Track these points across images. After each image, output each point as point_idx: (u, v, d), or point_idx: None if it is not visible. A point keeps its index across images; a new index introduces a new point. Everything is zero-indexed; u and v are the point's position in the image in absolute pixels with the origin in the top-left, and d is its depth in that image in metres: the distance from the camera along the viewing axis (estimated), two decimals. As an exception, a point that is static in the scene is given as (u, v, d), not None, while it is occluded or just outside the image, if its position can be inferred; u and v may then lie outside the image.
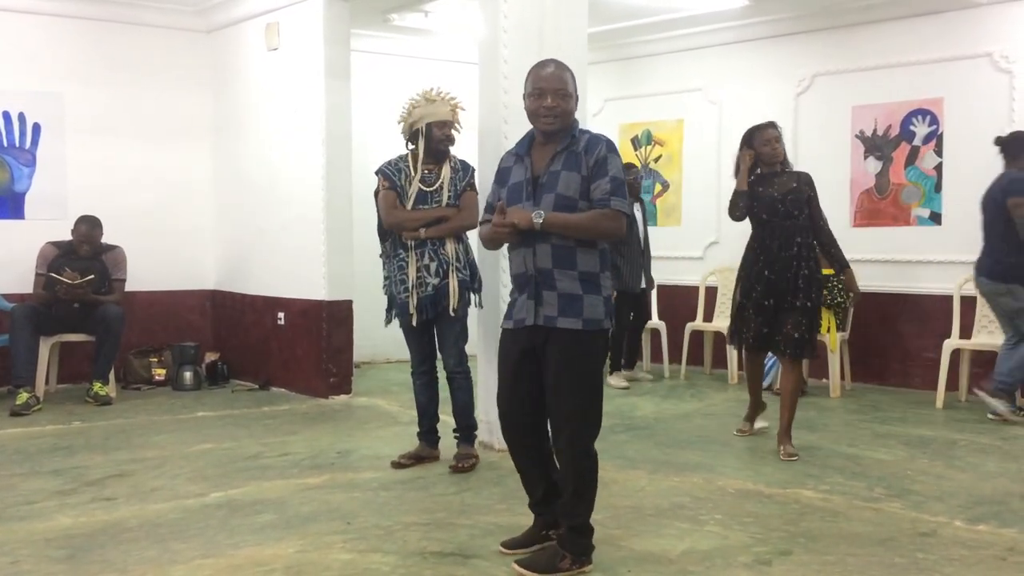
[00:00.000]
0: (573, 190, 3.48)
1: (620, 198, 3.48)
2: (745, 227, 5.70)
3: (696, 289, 8.58)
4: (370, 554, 3.76)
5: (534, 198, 3.53)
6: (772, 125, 5.64)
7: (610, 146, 3.54)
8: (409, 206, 5.02)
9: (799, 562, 3.69)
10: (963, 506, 4.44)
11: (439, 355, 5.25)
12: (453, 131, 5.12)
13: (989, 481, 4.93)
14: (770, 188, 5.52)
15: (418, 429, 5.31)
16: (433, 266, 5.01)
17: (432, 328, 5.16)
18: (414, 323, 5.05)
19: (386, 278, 5.19)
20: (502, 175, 3.74)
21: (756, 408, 6.00)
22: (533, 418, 3.64)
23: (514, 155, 3.71)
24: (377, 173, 5.17)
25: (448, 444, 5.34)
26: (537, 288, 3.52)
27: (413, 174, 5.06)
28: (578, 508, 3.55)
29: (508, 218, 3.49)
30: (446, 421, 5.40)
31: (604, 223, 3.47)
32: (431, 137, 5.04)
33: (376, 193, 5.17)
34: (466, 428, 5.23)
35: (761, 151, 5.57)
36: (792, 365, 5.47)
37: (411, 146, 5.16)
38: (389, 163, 5.17)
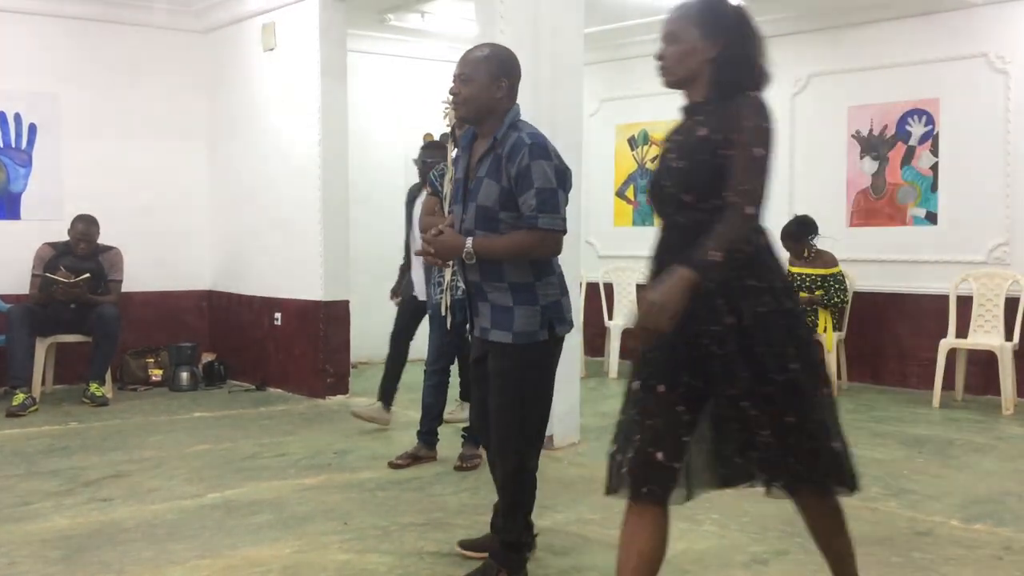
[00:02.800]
0: (492, 200, 3.23)
1: (549, 213, 3.17)
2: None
3: (693, 289, 8.57)
4: (367, 554, 3.76)
5: (464, 204, 3.35)
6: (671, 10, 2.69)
7: (536, 151, 3.19)
8: (445, 211, 5.02)
9: (796, 561, 3.69)
10: (959, 505, 4.45)
11: (458, 360, 5.30)
12: None
13: (985, 480, 4.94)
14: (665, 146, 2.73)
15: (419, 428, 5.31)
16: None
17: (460, 332, 5.17)
18: (448, 326, 5.07)
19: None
20: (442, 171, 3.62)
21: None
22: None
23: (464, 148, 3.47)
24: None
25: (445, 445, 5.34)
26: (472, 300, 3.40)
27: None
28: (508, 524, 3.45)
29: (437, 248, 3.30)
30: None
31: (534, 246, 3.21)
32: (455, 139, 5.04)
33: None
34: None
35: None
36: (820, 501, 2.69)
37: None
38: (439, 167, 5.18)
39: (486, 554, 3.56)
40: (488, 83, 3.30)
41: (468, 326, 3.48)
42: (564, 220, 3.25)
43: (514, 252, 3.23)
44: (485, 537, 3.71)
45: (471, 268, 3.31)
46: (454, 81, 3.38)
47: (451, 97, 3.44)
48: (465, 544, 3.75)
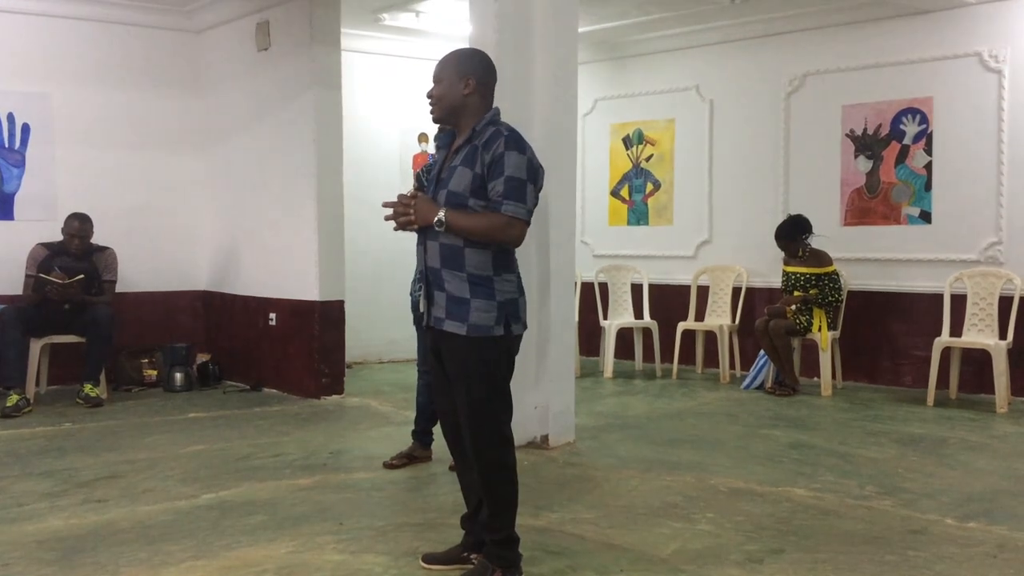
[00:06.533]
0: (463, 187, 3.29)
1: (515, 201, 3.23)
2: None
3: (688, 288, 8.59)
4: (362, 555, 3.76)
5: (435, 192, 3.39)
6: None
7: (511, 142, 3.28)
8: None
9: (791, 560, 3.70)
10: (954, 504, 4.46)
11: None
12: None
13: (979, 479, 4.95)
14: None
15: (413, 427, 5.31)
16: None
17: None
18: (424, 323, 5.03)
19: None
20: (430, 168, 3.66)
21: None
22: (458, 419, 3.45)
23: (443, 147, 3.57)
24: None
25: (440, 445, 5.33)
26: (429, 288, 3.40)
27: None
28: (494, 522, 3.39)
29: (413, 208, 3.32)
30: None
31: (497, 229, 3.26)
32: None
33: None
34: None
35: None
36: None
37: None
38: (428, 163, 5.16)
39: (454, 567, 3.56)
40: (455, 81, 3.42)
41: (423, 318, 3.49)
42: (529, 212, 3.31)
43: (480, 230, 3.27)
44: (452, 549, 3.66)
45: (432, 254, 3.35)
46: (433, 85, 3.49)
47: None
48: (430, 558, 3.66)
